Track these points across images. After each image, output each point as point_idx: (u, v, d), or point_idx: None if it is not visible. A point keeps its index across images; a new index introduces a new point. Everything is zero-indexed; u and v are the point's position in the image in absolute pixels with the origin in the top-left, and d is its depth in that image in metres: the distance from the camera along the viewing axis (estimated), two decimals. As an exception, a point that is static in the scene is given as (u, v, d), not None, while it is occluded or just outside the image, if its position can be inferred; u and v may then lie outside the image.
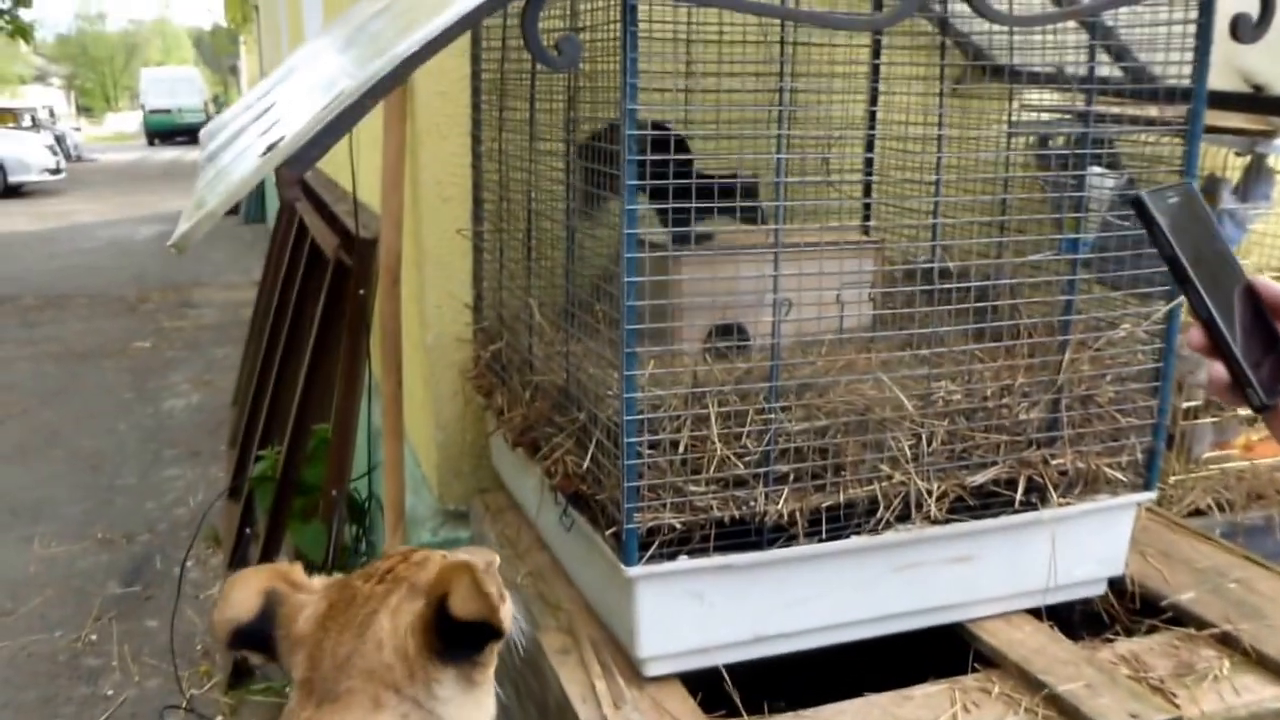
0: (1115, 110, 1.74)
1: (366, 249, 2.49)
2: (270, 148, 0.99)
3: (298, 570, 1.04)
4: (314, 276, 3.53)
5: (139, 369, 6.69)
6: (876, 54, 1.92)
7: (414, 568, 0.99)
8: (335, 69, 1.44)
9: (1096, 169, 1.73)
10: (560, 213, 1.63)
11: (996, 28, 1.68)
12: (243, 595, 0.99)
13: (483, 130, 1.95)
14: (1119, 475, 1.66)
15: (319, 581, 1.03)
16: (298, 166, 0.91)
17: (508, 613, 0.94)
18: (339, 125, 0.90)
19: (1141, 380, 1.67)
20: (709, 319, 1.61)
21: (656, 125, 1.42)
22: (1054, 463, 1.60)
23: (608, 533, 1.43)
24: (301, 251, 3.79)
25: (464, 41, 1.95)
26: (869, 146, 1.95)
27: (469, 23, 0.99)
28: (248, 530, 3.27)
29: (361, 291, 2.64)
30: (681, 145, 1.52)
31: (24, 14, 22.91)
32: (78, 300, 8.74)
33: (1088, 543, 1.68)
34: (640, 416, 1.36)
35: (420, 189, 2.04)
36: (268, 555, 2.91)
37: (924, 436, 1.51)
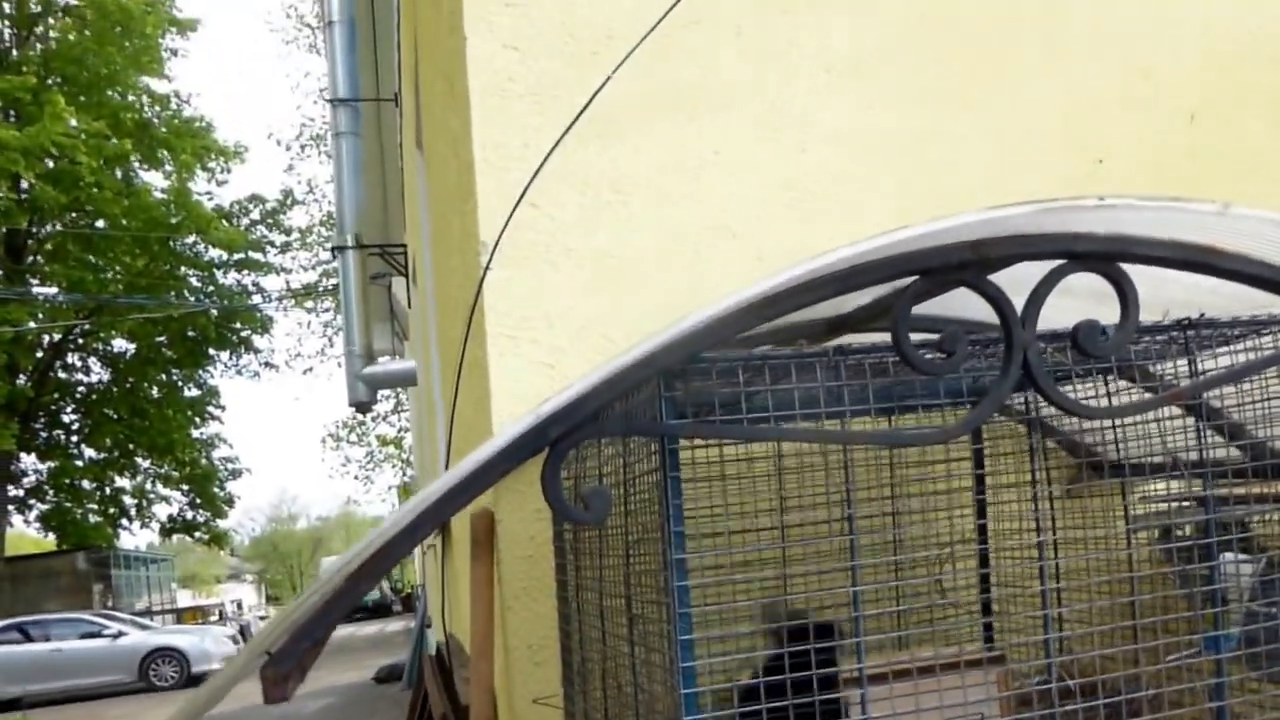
0: (1242, 491, 1.62)
1: (464, 716, 2.40)
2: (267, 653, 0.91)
3: None
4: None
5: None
6: (979, 464, 1.86)
7: None
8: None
9: (1229, 555, 1.58)
10: (628, 670, 1.54)
11: (1098, 423, 1.63)
12: None
13: (568, 591, 1.93)
14: None
15: None
16: (283, 664, 0.84)
17: None
18: (326, 615, 0.85)
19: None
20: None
21: (794, 615, 1.39)
22: None
23: None
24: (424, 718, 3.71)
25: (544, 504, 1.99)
26: (983, 562, 1.84)
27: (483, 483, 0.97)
28: None
29: (467, 765, 2.49)
30: (825, 630, 1.41)
31: (220, 523, 25.47)
32: (238, 782, 8.72)
33: None
34: None
35: (512, 654, 1.99)
36: None
37: None
